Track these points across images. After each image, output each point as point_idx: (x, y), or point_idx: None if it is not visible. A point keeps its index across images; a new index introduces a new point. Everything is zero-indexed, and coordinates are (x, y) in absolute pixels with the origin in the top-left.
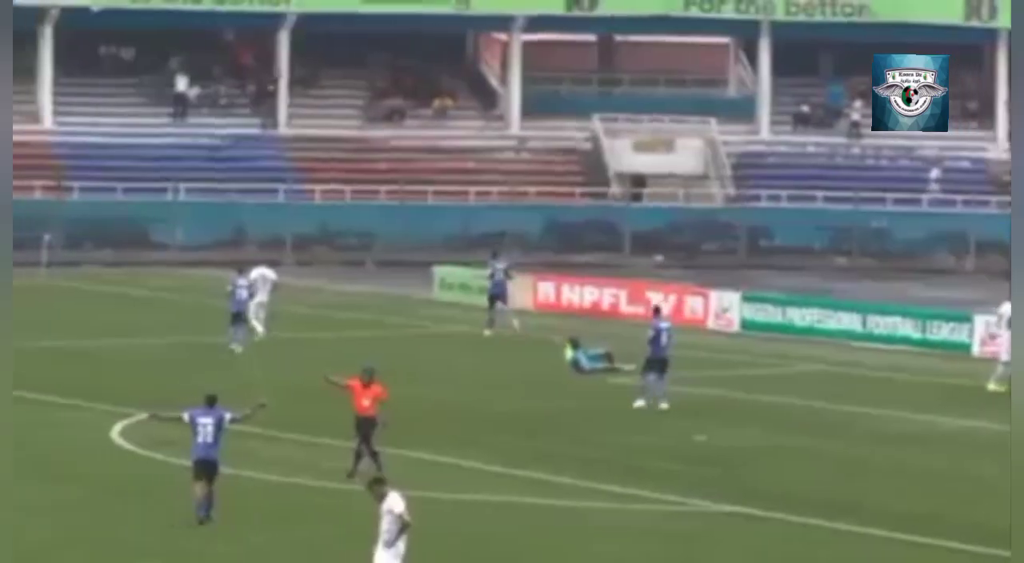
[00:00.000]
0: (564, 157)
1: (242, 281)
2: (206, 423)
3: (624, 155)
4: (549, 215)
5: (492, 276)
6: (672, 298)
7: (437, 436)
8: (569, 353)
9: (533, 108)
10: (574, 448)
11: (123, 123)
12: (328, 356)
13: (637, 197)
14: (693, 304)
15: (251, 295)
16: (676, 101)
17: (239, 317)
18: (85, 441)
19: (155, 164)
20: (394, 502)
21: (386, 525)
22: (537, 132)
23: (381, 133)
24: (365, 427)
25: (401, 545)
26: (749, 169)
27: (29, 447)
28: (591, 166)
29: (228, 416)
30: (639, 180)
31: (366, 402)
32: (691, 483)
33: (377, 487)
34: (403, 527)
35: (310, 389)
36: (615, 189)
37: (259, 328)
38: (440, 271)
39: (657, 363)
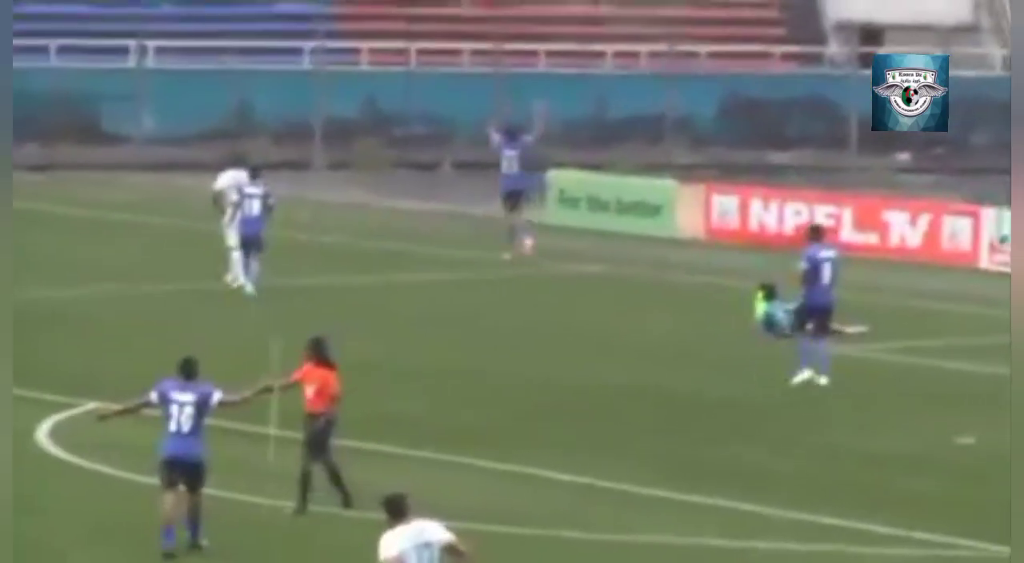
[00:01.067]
0: None
1: (253, 188)
2: (183, 402)
3: None
4: (731, 89)
5: (503, 162)
6: (924, 220)
7: (550, 442)
8: (761, 306)
9: None
10: (774, 459)
11: None
12: (365, 314)
13: (869, 61)
14: (956, 229)
15: (268, 208)
16: None
17: (251, 243)
18: None
19: (109, 12)
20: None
21: None
22: None
23: None
24: (310, 430)
25: None
26: None
27: None
28: (797, 13)
29: (217, 396)
30: (871, 34)
31: (309, 391)
32: (955, 512)
33: (389, 513)
34: None
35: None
36: (834, 48)
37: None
38: (559, 178)
39: (817, 313)
